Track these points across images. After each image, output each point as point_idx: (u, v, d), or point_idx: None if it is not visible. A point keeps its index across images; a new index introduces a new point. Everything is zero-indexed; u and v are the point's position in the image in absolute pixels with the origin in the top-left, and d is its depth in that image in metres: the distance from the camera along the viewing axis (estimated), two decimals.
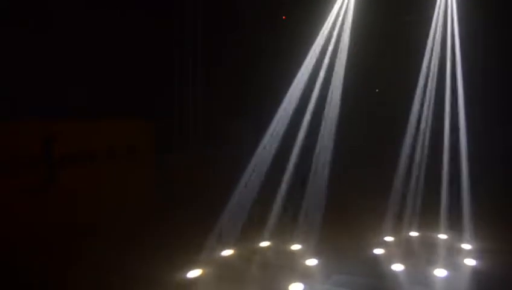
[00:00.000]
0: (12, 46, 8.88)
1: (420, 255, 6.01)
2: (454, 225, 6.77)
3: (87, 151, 9.94)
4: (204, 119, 8.68)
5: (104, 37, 9.75)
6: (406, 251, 6.21)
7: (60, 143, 8.88)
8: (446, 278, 5.22)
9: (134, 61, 9.33)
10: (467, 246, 6.21)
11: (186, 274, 5.16)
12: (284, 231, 6.68)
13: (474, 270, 5.44)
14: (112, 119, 10.12)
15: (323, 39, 8.32)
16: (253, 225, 6.57)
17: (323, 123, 8.38)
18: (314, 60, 8.28)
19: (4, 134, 9.10)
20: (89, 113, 9.92)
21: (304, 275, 5.32)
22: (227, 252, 5.85)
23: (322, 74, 8.39)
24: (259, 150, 7.79)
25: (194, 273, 5.16)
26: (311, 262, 5.72)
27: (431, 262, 5.62)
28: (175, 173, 8.53)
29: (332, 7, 8.36)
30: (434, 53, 8.48)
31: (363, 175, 9.29)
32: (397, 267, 5.59)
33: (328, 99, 8.42)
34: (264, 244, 6.29)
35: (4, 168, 8.90)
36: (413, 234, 6.78)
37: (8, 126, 9.21)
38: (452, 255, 5.89)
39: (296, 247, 6.27)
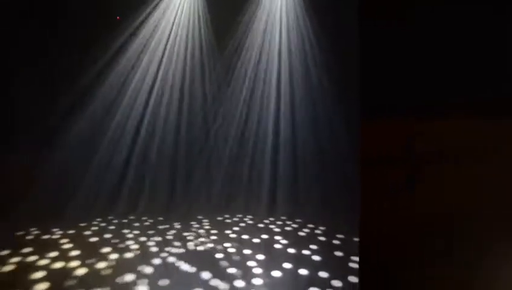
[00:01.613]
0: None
1: None
2: None
3: (450, 151, 9.92)
4: None
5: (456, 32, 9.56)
6: None
7: (422, 142, 8.72)
8: None
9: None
10: None
11: None
12: None
13: None
14: (472, 119, 10.13)
15: None
16: None
17: None
18: None
19: (371, 132, 9.18)
20: (445, 112, 9.91)
21: None
22: None
23: None
24: None
25: None
26: None
27: None
28: None
29: None
30: None
31: None
32: None
33: None
34: None
35: (370, 165, 8.91)
36: None
37: (375, 124, 9.31)
38: None
39: None
